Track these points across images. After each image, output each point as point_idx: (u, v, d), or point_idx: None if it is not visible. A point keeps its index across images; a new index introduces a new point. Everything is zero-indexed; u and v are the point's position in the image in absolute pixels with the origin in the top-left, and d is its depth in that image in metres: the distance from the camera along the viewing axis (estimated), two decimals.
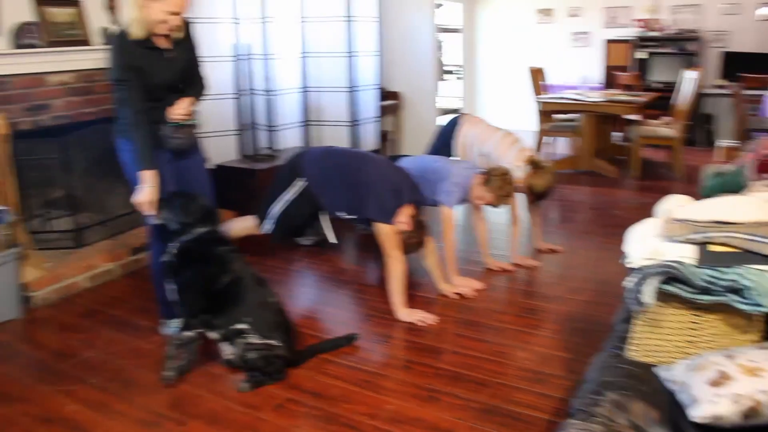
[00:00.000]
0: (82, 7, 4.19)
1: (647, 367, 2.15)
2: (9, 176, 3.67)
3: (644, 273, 2.11)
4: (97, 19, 4.30)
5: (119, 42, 2.86)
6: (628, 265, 2.24)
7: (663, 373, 2.06)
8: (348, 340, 3.16)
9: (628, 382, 2.03)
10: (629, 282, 2.17)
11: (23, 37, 3.80)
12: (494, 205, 3.80)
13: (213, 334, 2.83)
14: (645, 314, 2.19)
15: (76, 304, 3.71)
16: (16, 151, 3.79)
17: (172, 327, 3.03)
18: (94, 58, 4.23)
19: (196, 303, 2.81)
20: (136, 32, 2.84)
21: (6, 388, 2.81)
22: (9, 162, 3.66)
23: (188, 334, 2.81)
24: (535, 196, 4.15)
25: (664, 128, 6.66)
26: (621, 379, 2.05)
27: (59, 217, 4.19)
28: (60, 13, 4.06)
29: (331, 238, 4.28)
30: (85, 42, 4.18)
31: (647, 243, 2.20)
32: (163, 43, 2.96)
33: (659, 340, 2.20)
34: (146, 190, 2.90)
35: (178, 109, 3.01)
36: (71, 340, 3.26)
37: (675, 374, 1.98)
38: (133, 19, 2.82)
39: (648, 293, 2.07)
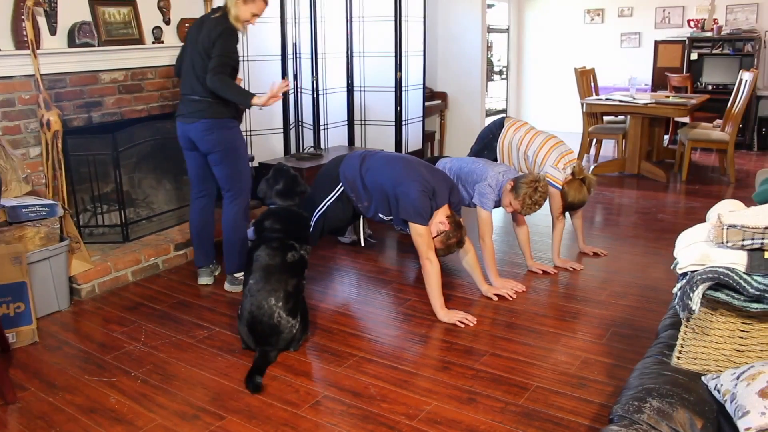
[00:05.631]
0: (136, 6, 4.28)
1: (693, 376, 2.10)
2: (61, 171, 3.77)
3: (693, 279, 2.05)
4: (150, 18, 4.39)
5: (234, 33, 3.51)
6: (678, 271, 2.18)
7: (710, 382, 2.00)
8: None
9: (673, 389, 1.98)
10: (677, 288, 2.11)
11: (79, 36, 3.90)
12: (522, 213, 3.73)
13: None
14: (692, 321, 2.13)
15: (121, 297, 3.79)
16: (67, 147, 3.91)
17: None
18: (145, 56, 4.33)
19: None
20: (236, 26, 3.52)
21: (53, 377, 2.88)
22: (61, 157, 3.76)
23: None
24: (566, 205, 4.07)
25: (716, 131, 6.48)
26: (665, 386, 2.00)
27: (107, 212, 4.29)
28: (115, 13, 4.15)
29: (362, 241, 4.38)
30: (138, 41, 4.28)
31: (697, 248, 2.14)
32: None
33: (706, 348, 2.14)
34: (262, 98, 3.49)
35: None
36: (115, 333, 3.33)
37: (722, 383, 1.92)
38: (232, 16, 3.49)
39: (696, 300, 2.02)
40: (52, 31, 3.83)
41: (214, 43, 3.43)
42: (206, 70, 3.45)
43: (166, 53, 4.45)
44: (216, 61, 3.41)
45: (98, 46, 4.01)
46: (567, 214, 4.22)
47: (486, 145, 4.50)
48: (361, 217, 4.11)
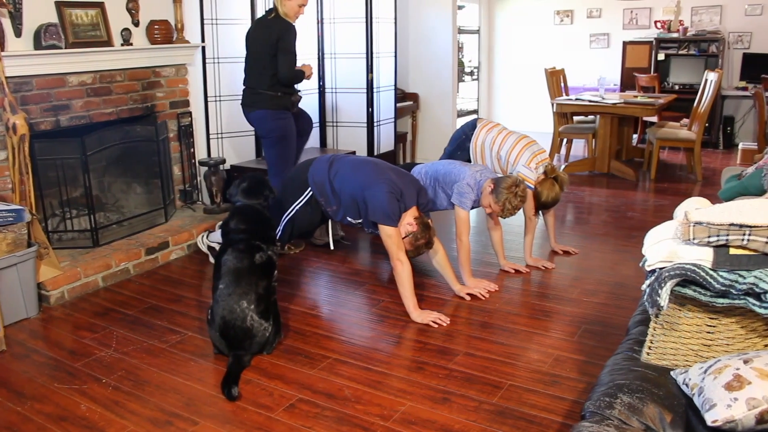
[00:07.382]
0: (104, 8, 4.22)
1: (662, 370, 2.13)
2: (28, 175, 3.71)
3: (661, 275, 2.08)
4: (118, 20, 4.33)
5: (291, 28, 4.05)
6: (647, 268, 2.21)
7: (678, 376, 2.04)
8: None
9: (642, 384, 2.00)
10: (646, 284, 2.14)
11: (45, 38, 3.84)
12: (502, 216, 3.75)
13: None
14: (661, 317, 2.17)
15: (91, 303, 3.73)
16: (35, 151, 3.84)
17: None
18: (114, 59, 4.27)
19: None
20: (290, 21, 4.13)
21: (21, 386, 2.83)
22: (28, 161, 3.69)
23: None
24: (540, 204, 4.11)
25: (683, 130, 6.59)
26: (635, 381, 2.03)
27: (77, 217, 4.23)
28: (82, 14, 4.09)
29: (331, 244, 4.37)
30: (106, 43, 4.22)
31: (664, 245, 2.17)
32: None
33: (675, 343, 2.18)
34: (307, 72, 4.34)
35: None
36: (86, 339, 3.28)
37: (690, 377, 1.96)
38: (282, 13, 4.06)
39: (664, 296, 2.05)
40: (17, 33, 3.77)
41: (277, 41, 3.97)
42: (269, 66, 4.07)
43: (135, 55, 4.41)
44: (284, 58, 4.06)
45: (65, 48, 3.95)
46: (540, 212, 4.26)
47: (459, 146, 4.53)
48: (330, 220, 4.11)
